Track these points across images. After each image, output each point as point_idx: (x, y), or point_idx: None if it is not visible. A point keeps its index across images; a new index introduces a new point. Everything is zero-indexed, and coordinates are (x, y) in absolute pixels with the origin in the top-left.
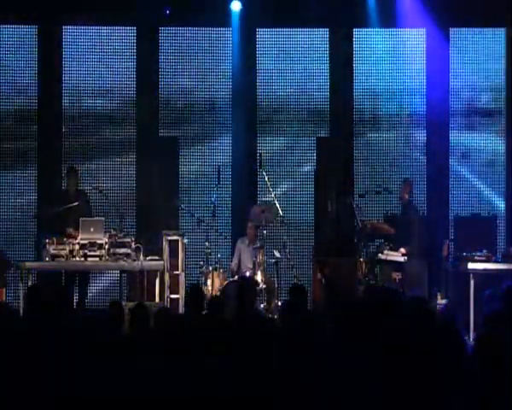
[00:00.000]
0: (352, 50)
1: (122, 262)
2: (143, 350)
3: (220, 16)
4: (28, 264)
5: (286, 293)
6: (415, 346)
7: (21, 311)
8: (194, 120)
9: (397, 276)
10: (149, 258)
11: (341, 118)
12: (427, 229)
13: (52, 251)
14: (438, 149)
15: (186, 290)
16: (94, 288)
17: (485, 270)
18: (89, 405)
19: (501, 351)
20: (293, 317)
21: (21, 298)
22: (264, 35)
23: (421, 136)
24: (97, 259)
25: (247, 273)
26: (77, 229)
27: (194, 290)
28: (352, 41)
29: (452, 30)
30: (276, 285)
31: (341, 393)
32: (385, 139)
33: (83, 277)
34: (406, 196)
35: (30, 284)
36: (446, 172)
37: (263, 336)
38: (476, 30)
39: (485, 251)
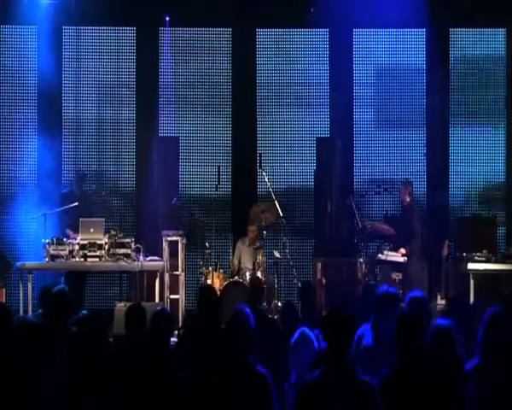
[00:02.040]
0: (352, 50)
1: (122, 262)
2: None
3: (221, 16)
4: (28, 264)
5: (286, 293)
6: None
7: (21, 311)
8: (195, 120)
9: (397, 276)
10: (149, 258)
11: (341, 118)
12: (427, 229)
13: (52, 251)
14: (438, 149)
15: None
16: (93, 288)
17: (485, 270)
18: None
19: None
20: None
21: (21, 298)
22: (264, 35)
23: (421, 136)
24: (97, 259)
25: (247, 273)
26: (77, 229)
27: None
28: (352, 41)
29: (452, 30)
30: (276, 285)
31: None
32: (385, 139)
33: (80, 277)
34: (408, 199)
35: (30, 284)
36: (446, 171)
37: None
38: (476, 30)
39: (485, 251)
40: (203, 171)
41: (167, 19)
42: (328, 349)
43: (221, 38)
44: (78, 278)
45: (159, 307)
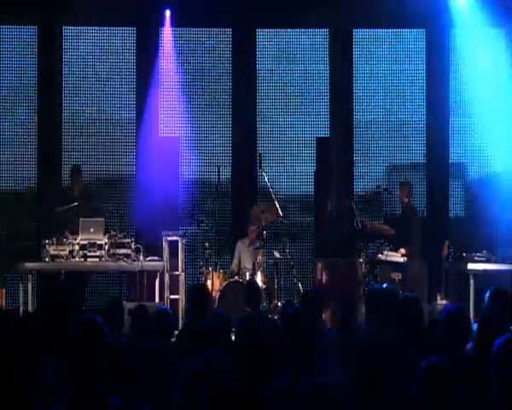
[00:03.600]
0: (352, 50)
1: (122, 263)
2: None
3: (221, 16)
4: (28, 264)
5: (286, 293)
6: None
7: (21, 311)
8: (195, 120)
9: (396, 276)
10: (149, 258)
11: (341, 118)
12: (427, 229)
13: (52, 251)
14: (438, 149)
15: (188, 290)
16: (93, 288)
17: (484, 270)
18: None
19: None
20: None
21: (21, 298)
22: (264, 35)
23: (420, 136)
24: (97, 259)
25: (247, 274)
26: (77, 230)
27: (197, 291)
28: (352, 41)
29: (452, 30)
30: (276, 286)
31: None
32: (385, 139)
33: (81, 277)
34: (406, 199)
35: (30, 284)
36: (446, 171)
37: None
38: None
39: (484, 252)
40: (203, 171)
41: (168, 13)
42: None
43: (221, 38)
44: (78, 278)
45: (160, 307)
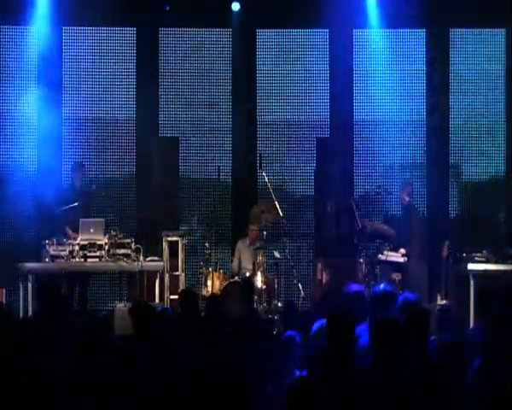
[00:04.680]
0: (354, 50)
1: (122, 263)
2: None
3: (220, 16)
4: (28, 264)
5: (286, 294)
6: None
7: (21, 312)
8: (194, 121)
9: (397, 276)
10: (149, 258)
11: (341, 118)
12: (427, 229)
13: (52, 252)
14: (437, 149)
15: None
16: (93, 288)
17: (484, 270)
18: None
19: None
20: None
21: (21, 299)
22: (264, 35)
23: (420, 136)
24: (97, 260)
25: (247, 274)
26: (77, 229)
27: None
28: (353, 41)
29: (452, 30)
30: (276, 286)
31: None
32: (385, 139)
33: (83, 278)
34: (407, 198)
35: (30, 284)
36: (446, 171)
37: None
38: (476, 30)
39: (484, 252)
40: (203, 171)
41: (167, 13)
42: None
43: (221, 38)
44: (80, 279)
45: (161, 307)
